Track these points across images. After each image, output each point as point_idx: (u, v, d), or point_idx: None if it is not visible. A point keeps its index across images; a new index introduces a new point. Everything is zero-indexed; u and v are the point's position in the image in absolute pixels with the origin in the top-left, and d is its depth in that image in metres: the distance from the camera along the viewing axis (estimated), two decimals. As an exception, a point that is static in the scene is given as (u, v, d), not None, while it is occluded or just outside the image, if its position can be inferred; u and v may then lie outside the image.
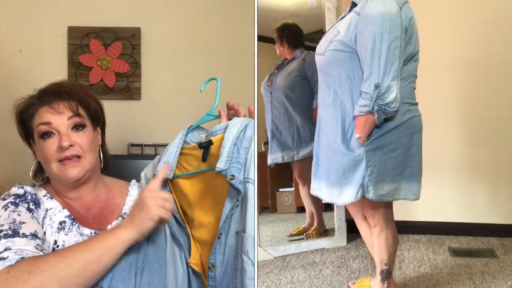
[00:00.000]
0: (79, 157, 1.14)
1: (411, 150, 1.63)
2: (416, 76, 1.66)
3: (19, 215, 1.06)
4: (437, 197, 2.70)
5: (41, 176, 1.23)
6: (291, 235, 2.56)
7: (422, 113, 1.73)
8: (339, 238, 2.54)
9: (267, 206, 2.68)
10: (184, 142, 1.17)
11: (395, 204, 1.75)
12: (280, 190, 2.68)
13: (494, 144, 2.65)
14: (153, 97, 2.29)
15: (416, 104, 1.66)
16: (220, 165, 1.05)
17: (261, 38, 2.41)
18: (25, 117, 1.17)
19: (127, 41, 2.25)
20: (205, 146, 1.13)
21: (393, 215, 1.77)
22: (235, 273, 1.04)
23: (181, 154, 1.15)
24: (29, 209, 1.10)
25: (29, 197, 1.13)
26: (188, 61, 2.29)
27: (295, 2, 2.50)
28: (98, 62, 2.23)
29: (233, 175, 1.04)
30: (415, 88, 1.65)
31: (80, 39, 2.23)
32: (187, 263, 1.12)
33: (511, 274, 2.12)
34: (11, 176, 2.18)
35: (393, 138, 1.61)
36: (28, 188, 1.15)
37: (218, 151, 1.10)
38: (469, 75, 2.62)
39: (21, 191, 1.14)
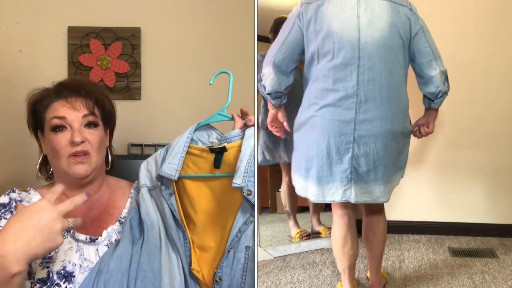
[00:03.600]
0: (87, 154, 1.14)
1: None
2: (331, 77, 1.61)
3: None
4: (438, 197, 2.70)
5: (45, 170, 1.23)
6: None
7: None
8: (339, 238, 2.54)
9: (267, 206, 2.68)
10: (191, 140, 1.12)
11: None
12: (280, 190, 2.68)
13: (494, 144, 2.64)
14: (153, 97, 2.29)
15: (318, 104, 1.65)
16: (238, 181, 1.01)
17: (261, 38, 2.41)
18: (38, 108, 1.16)
19: (127, 41, 2.25)
20: (218, 152, 1.08)
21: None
22: (243, 286, 1.02)
23: (187, 153, 1.10)
24: None
25: (13, 204, 1.12)
26: (188, 61, 2.29)
27: (295, 2, 2.50)
28: (98, 62, 2.23)
29: (250, 190, 1.02)
30: (326, 89, 1.63)
31: (80, 39, 2.23)
32: (184, 269, 1.08)
33: (511, 274, 2.12)
34: (11, 176, 2.18)
35: (299, 137, 1.73)
36: (14, 195, 1.14)
37: (232, 158, 1.06)
38: (468, 75, 2.62)
39: (6, 200, 1.13)
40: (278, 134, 1.78)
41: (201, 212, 1.09)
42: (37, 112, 1.17)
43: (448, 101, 2.65)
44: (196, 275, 1.06)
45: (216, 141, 1.10)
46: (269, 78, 1.65)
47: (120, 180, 1.29)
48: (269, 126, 1.76)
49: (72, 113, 1.14)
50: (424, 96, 1.77)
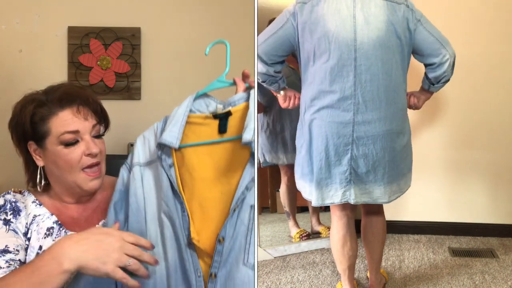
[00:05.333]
0: (98, 164, 1.14)
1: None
2: (328, 78, 1.60)
3: None
4: (438, 197, 2.70)
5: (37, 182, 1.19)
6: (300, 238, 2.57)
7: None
8: (339, 238, 2.54)
9: (267, 206, 2.68)
10: (190, 111, 1.10)
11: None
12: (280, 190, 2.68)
13: (495, 145, 2.65)
14: (153, 97, 2.29)
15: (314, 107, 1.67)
16: (248, 135, 0.98)
17: (261, 38, 2.41)
18: (36, 120, 1.12)
19: (127, 41, 2.25)
20: (223, 117, 1.06)
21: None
22: (247, 247, 1.00)
23: (186, 123, 1.08)
24: (5, 221, 1.09)
25: (8, 206, 1.12)
26: (188, 61, 2.29)
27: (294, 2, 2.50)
28: (98, 62, 2.23)
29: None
30: (323, 91, 1.64)
31: (80, 39, 2.23)
32: (181, 242, 1.04)
33: (511, 274, 2.12)
34: (11, 176, 2.18)
35: (299, 140, 1.74)
36: (8, 197, 1.14)
37: (238, 121, 1.05)
38: (474, 77, 2.61)
39: (1, 202, 1.13)
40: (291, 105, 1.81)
41: (200, 181, 1.06)
42: (35, 124, 1.11)
43: (452, 101, 2.67)
44: (196, 244, 1.03)
45: (221, 106, 1.08)
46: (258, 68, 1.66)
47: (111, 177, 1.29)
48: (284, 106, 1.81)
49: (82, 124, 1.11)
50: (427, 78, 1.76)
